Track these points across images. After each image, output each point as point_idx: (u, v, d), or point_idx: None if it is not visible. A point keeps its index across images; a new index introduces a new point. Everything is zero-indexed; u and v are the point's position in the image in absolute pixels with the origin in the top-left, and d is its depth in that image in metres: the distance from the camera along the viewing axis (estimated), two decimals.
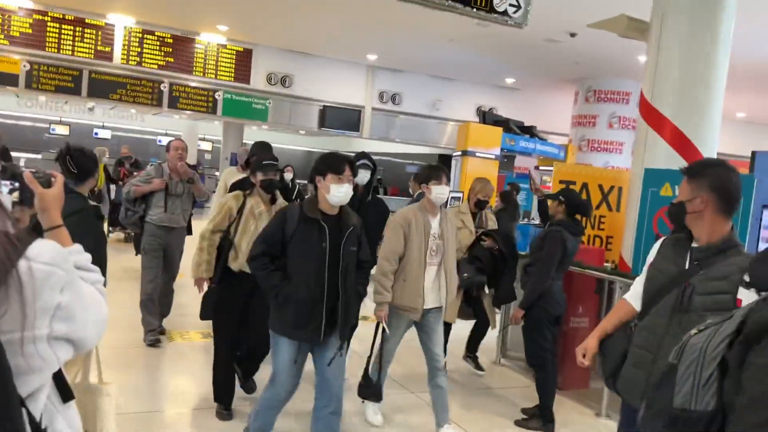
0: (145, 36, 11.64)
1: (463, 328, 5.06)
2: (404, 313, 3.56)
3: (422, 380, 4.54)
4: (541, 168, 12.19)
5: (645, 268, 2.45)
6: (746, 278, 1.39)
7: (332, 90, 13.14)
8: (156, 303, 5.07)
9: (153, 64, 11.72)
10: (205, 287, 3.85)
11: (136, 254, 5.34)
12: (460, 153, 9.55)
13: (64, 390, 1.16)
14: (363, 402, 3.88)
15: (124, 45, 11.45)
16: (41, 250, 1.02)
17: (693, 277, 2.20)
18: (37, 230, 1.36)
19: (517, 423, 4.11)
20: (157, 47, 11.76)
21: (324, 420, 3.04)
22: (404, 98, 13.84)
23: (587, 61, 10.65)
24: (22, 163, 13.61)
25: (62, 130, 17.66)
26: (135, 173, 8.77)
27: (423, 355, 3.68)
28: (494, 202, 7.51)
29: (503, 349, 5.54)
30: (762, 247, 4.87)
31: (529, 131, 11.12)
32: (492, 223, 4.86)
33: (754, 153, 5.02)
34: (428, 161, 18.11)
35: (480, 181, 4.80)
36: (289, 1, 9.20)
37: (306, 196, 3.39)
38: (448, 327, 4.50)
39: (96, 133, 18.58)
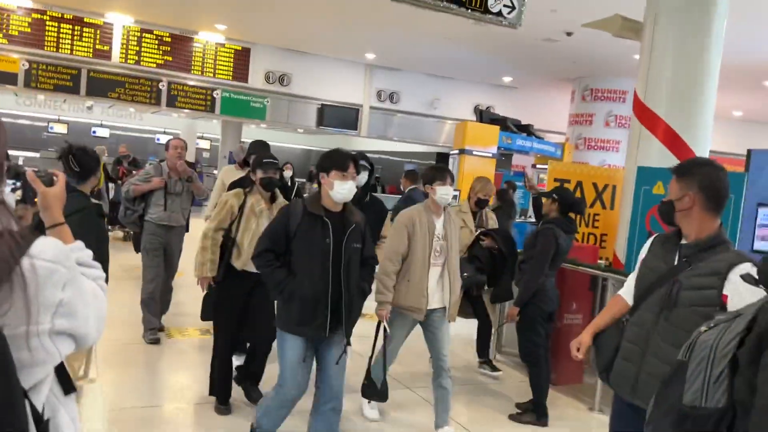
0: (144, 35, 11.67)
1: (461, 327, 5.12)
2: (408, 314, 3.58)
3: (421, 378, 4.62)
4: (537, 166, 12.25)
5: (637, 265, 2.51)
6: (753, 276, 1.40)
7: (330, 89, 13.18)
8: (157, 302, 5.11)
9: (151, 62, 11.76)
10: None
11: (136, 252, 5.38)
12: (457, 151, 9.62)
13: (65, 383, 1.19)
14: (370, 402, 3.90)
15: (122, 44, 11.49)
16: (44, 247, 1.05)
17: (681, 274, 2.25)
18: (39, 228, 1.40)
19: (511, 417, 4.17)
20: (156, 46, 11.79)
21: (324, 417, 3.07)
22: (402, 97, 13.89)
23: (584, 60, 10.70)
24: (20, 162, 13.63)
25: (60, 129, 17.66)
26: (134, 172, 8.81)
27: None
28: (491, 200, 7.55)
29: (498, 346, 5.60)
30: (757, 244, 4.93)
31: (526, 130, 11.19)
32: (492, 222, 4.89)
33: (749, 151, 5.08)
34: (426, 160, 18.18)
35: (480, 180, 4.85)
36: (287, 0, 9.24)
37: (304, 194, 3.44)
38: None
39: (94, 132, 18.58)
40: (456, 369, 5.10)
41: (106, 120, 19.59)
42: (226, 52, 12.36)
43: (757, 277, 1.36)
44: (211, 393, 3.91)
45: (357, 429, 3.82)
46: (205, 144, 20.32)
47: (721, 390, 1.21)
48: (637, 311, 2.37)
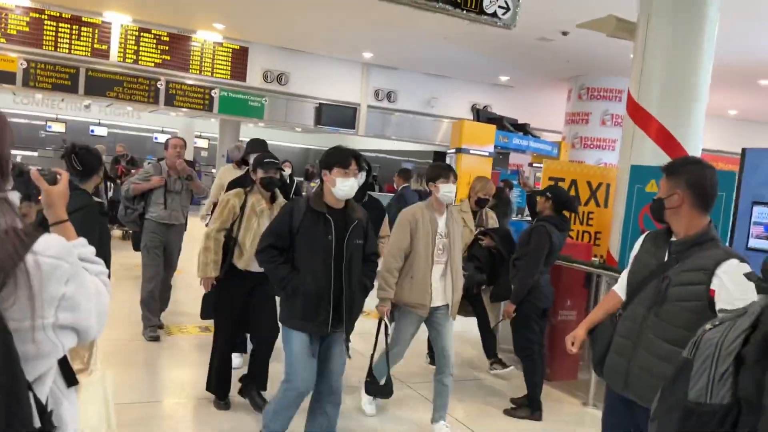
0: (142, 34, 11.69)
1: (456, 324, 5.16)
2: (413, 311, 3.61)
3: (419, 375, 4.67)
4: (534, 165, 12.30)
5: (629, 261, 2.57)
6: (756, 275, 1.43)
7: (328, 87, 13.22)
8: (157, 300, 5.16)
9: (149, 62, 11.78)
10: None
11: (135, 250, 5.40)
12: (454, 150, 9.66)
13: (68, 375, 1.23)
14: (375, 399, 3.94)
15: (120, 43, 11.51)
16: (47, 244, 1.07)
17: (670, 270, 2.31)
18: (43, 225, 1.44)
19: (506, 412, 4.24)
20: (154, 45, 11.82)
21: (323, 411, 3.11)
22: (399, 96, 13.93)
23: (580, 60, 10.76)
24: (18, 161, 13.62)
25: (58, 128, 17.66)
26: (133, 171, 8.86)
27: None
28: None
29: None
30: (752, 242, 5.00)
31: (523, 129, 11.23)
32: (492, 222, 4.92)
33: (744, 150, 5.13)
34: (424, 158, 18.22)
35: (480, 179, 4.90)
36: (285, 0, 9.28)
37: (303, 192, 3.48)
38: None
39: (92, 131, 18.55)
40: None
41: (104, 119, 19.57)
42: (224, 52, 12.39)
43: (760, 275, 1.40)
44: (208, 389, 3.95)
45: (356, 425, 3.86)
46: (203, 143, 20.33)
47: (726, 387, 1.23)
48: (628, 306, 2.42)
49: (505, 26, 5.22)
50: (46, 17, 10.92)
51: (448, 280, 3.65)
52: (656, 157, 4.96)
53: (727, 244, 4.71)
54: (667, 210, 2.36)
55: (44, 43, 10.92)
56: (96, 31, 11.32)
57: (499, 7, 5.08)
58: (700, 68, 5.16)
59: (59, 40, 11.03)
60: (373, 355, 3.65)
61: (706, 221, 2.33)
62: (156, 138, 19.39)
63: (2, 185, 1.14)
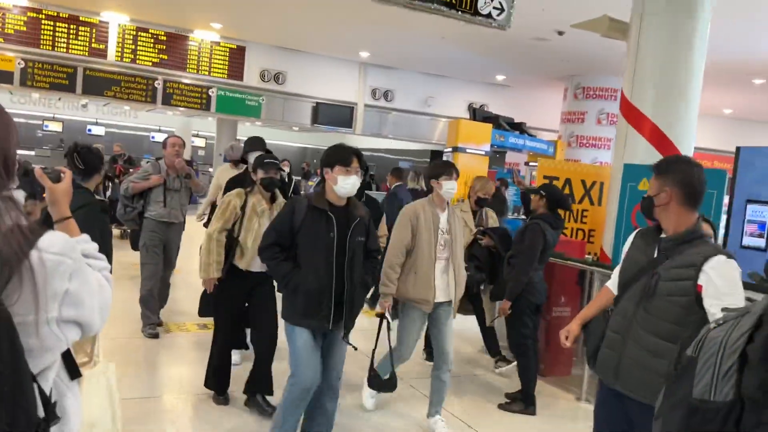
0: (139, 33, 11.71)
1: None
2: (417, 306, 3.64)
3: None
4: (530, 164, 12.36)
5: (621, 258, 2.63)
6: (759, 274, 1.48)
7: (325, 87, 13.25)
8: (156, 298, 5.19)
9: (147, 61, 11.80)
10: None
11: (133, 249, 5.43)
12: (450, 149, 9.71)
13: (72, 368, 1.26)
14: (378, 393, 3.97)
15: (118, 42, 11.53)
16: (51, 241, 1.10)
17: (659, 266, 2.36)
18: (47, 222, 1.49)
19: (501, 406, 4.30)
20: (151, 45, 11.84)
21: (321, 406, 3.15)
22: (396, 95, 13.97)
23: (575, 59, 10.82)
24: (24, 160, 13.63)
25: (55, 127, 17.67)
26: (131, 170, 8.89)
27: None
28: None
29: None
30: (746, 240, 5.07)
31: (519, 128, 11.28)
32: (493, 221, 4.95)
33: (738, 148, 5.18)
34: (421, 157, 18.27)
35: (480, 179, 4.94)
36: None
37: (302, 191, 3.51)
38: None
39: (89, 130, 18.55)
40: None
41: (101, 118, 19.56)
42: (222, 51, 12.42)
43: (763, 275, 1.44)
44: (206, 385, 4.00)
45: (356, 424, 3.90)
46: (200, 142, 20.34)
47: (730, 384, 1.25)
48: (620, 302, 2.48)
49: (500, 27, 5.28)
50: (43, 17, 10.93)
51: (450, 276, 3.68)
52: (649, 155, 5.01)
53: (720, 242, 4.78)
54: (657, 207, 2.41)
55: (42, 42, 10.93)
56: (93, 30, 11.34)
57: (494, 8, 5.15)
58: (693, 68, 5.22)
59: (57, 39, 11.04)
60: (374, 350, 3.67)
61: (695, 218, 2.38)
62: (153, 137, 19.39)
63: (8, 184, 1.16)
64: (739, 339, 1.26)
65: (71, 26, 11.14)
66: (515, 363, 4.86)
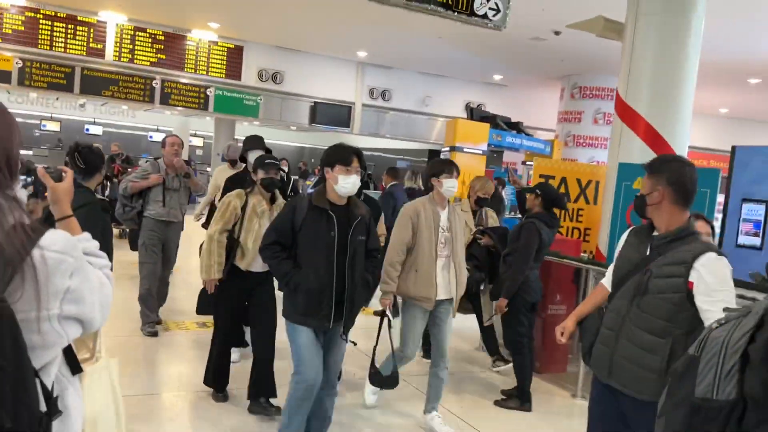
0: (137, 33, 11.73)
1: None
2: (418, 304, 3.67)
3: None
4: (527, 163, 12.40)
5: (615, 256, 2.67)
6: (761, 274, 1.50)
7: (323, 86, 13.28)
8: (154, 297, 5.22)
9: (145, 60, 11.82)
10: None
11: (132, 250, 5.44)
12: (448, 148, 9.75)
13: (73, 364, 1.28)
14: (381, 389, 3.98)
15: (116, 42, 11.54)
16: (53, 239, 1.12)
17: (652, 263, 2.40)
18: (49, 221, 1.51)
19: (497, 403, 4.34)
20: (149, 44, 11.85)
21: (319, 401, 3.17)
22: (394, 95, 14.00)
23: (572, 59, 10.86)
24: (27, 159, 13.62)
25: (53, 127, 17.65)
26: (129, 169, 8.90)
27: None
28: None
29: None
30: (742, 239, 5.11)
31: (516, 127, 11.33)
32: (493, 221, 4.97)
33: (734, 147, 5.22)
34: (418, 157, 18.30)
35: (480, 179, 4.97)
36: None
37: (299, 190, 3.52)
38: None
39: (87, 129, 18.53)
40: None
41: (99, 117, 19.55)
42: (219, 50, 12.44)
43: (765, 274, 1.47)
44: (205, 382, 4.03)
45: (355, 420, 3.93)
46: (198, 141, 20.34)
47: (732, 383, 1.26)
48: (613, 299, 2.51)
49: (496, 27, 5.33)
50: (41, 16, 10.95)
51: (451, 274, 3.70)
52: (644, 155, 5.05)
53: (716, 240, 4.82)
54: (649, 206, 2.45)
55: (40, 42, 10.94)
56: (91, 30, 11.35)
57: (490, 8, 5.19)
58: (687, 68, 5.27)
59: (55, 39, 11.05)
60: (375, 347, 3.68)
61: (686, 216, 2.42)
62: (151, 137, 19.38)
63: (11, 183, 1.18)
64: (740, 339, 1.28)
65: (69, 26, 11.15)
66: (512, 363, 4.93)
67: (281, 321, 3.25)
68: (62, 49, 11.11)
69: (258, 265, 3.74)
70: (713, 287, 2.22)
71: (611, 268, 2.64)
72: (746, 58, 9.71)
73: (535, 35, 9.62)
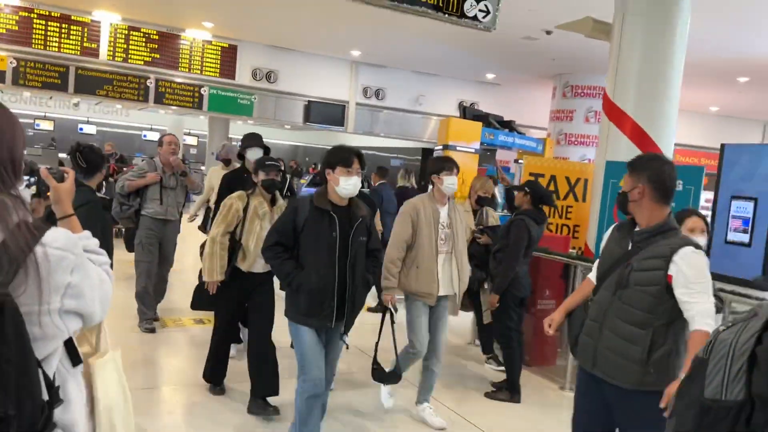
0: (131, 32, 11.75)
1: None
2: (420, 299, 3.72)
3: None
4: (520, 161, 12.48)
5: (600, 251, 2.77)
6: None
7: (317, 85, 13.33)
8: (151, 294, 5.27)
9: (139, 60, 11.84)
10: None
11: (128, 251, 5.37)
12: (441, 147, 9.83)
13: (74, 356, 1.32)
14: (390, 394, 4.00)
15: (110, 41, 11.57)
16: (55, 237, 1.17)
17: (633, 258, 2.50)
18: (51, 219, 1.55)
19: (487, 395, 4.45)
20: (143, 44, 11.88)
21: None
22: (388, 93, 14.06)
23: (563, 58, 10.97)
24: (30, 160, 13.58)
25: (47, 126, 17.60)
26: (125, 168, 8.95)
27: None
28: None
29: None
30: (731, 236, 5.21)
31: (509, 126, 11.42)
32: (493, 220, 5.02)
33: (723, 145, 5.32)
34: (412, 155, 18.39)
35: (480, 178, 5.04)
36: None
37: (295, 190, 3.55)
38: None
39: (81, 129, 18.51)
40: None
41: (93, 117, 19.52)
42: (213, 50, 12.48)
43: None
44: (204, 377, 4.10)
45: (355, 419, 3.96)
46: (192, 140, 20.34)
47: (740, 385, 1.29)
48: (597, 291, 2.61)
49: (486, 29, 5.42)
50: (35, 16, 10.95)
51: (453, 270, 3.75)
52: (631, 153, 5.09)
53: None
54: (631, 202, 2.55)
55: (34, 41, 10.95)
56: (85, 29, 11.37)
57: (480, 10, 5.28)
58: (673, 67, 5.37)
59: (49, 38, 11.07)
60: (377, 343, 3.70)
61: (666, 212, 2.52)
62: (145, 135, 19.34)
63: (15, 183, 1.23)
64: (748, 341, 1.31)
65: (63, 25, 11.17)
66: (501, 368, 4.92)
67: (282, 321, 3.29)
68: (56, 49, 11.12)
69: (259, 266, 3.79)
70: (691, 279, 2.32)
71: (597, 262, 2.74)
72: (736, 57, 9.82)
73: (526, 34, 9.72)
